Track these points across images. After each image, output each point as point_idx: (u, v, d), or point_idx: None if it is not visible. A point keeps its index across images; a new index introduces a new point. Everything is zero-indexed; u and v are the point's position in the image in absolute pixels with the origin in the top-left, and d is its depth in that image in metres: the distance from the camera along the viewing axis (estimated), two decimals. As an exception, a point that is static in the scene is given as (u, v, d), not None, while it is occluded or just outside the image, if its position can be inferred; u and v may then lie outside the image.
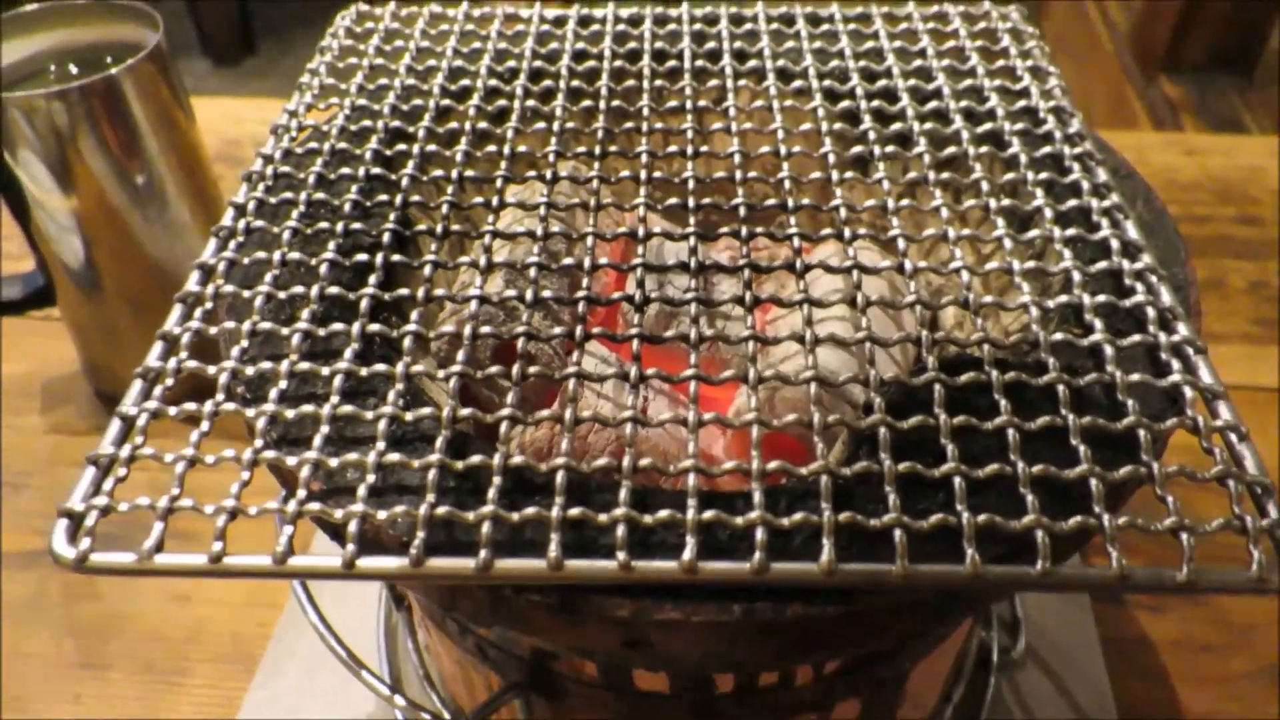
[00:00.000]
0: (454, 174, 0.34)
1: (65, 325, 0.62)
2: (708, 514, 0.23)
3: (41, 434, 0.61)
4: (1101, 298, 0.29)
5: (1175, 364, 0.27)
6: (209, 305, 0.30)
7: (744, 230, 0.32)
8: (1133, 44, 1.40)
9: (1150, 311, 0.29)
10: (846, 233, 0.32)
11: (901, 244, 0.31)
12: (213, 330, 0.29)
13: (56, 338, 0.65)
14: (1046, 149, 0.35)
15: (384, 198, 0.34)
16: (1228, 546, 0.25)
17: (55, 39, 0.56)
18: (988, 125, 0.37)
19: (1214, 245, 0.71)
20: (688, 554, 0.23)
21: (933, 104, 0.38)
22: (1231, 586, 0.23)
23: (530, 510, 0.24)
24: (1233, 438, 0.26)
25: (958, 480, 0.24)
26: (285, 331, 0.29)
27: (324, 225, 0.33)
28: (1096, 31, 1.53)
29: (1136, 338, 0.28)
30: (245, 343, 0.29)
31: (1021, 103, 0.38)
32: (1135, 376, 0.27)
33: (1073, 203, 0.33)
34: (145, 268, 0.58)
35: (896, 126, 0.37)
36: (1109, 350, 0.28)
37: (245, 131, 0.86)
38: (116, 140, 0.53)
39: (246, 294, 0.30)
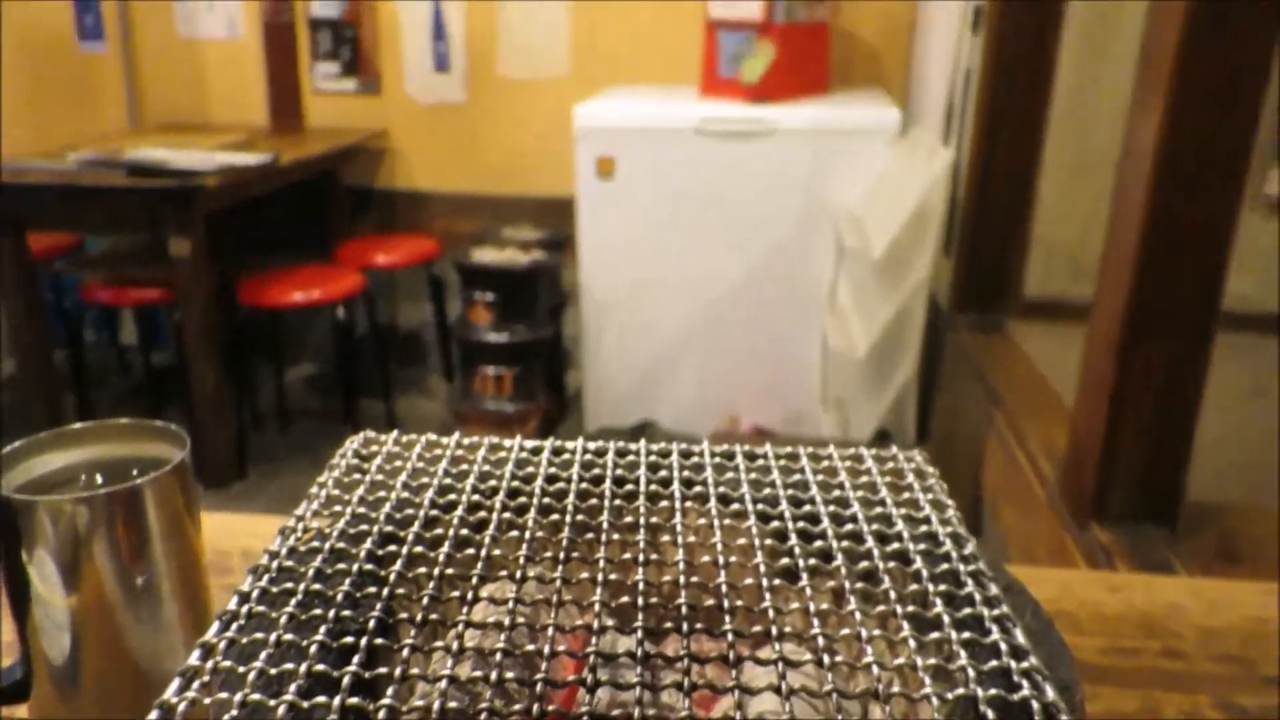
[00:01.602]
0: (435, 572, 0.40)
1: (29, 724, 0.62)
2: None
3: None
4: (994, 691, 0.34)
5: (1058, 749, 0.31)
6: (206, 678, 0.34)
7: (686, 627, 0.37)
8: (1062, 494, 1.53)
9: (1035, 705, 0.33)
10: (774, 630, 0.37)
11: (822, 641, 0.36)
12: (207, 700, 0.33)
13: (15, 738, 0.65)
14: (945, 566, 0.41)
15: (372, 590, 0.39)
16: None
17: (91, 453, 0.63)
18: (895, 545, 0.43)
19: (1145, 677, 0.75)
20: None
21: (849, 526, 0.44)
22: None
23: None
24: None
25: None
26: (273, 703, 0.32)
27: (317, 612, 0.38)
28: (1031, 480, 1.66)
29: (1023, 726, 0.32)
30: (235, 712, 0.32)
31: (924, 528, 0.45)
32: (1022, 758, 0.30)
33: (968, 611, 0.38)
34: (126, 667, 0.60)
35: (819, 544, 0.43)
36: (999, 735, 0.31)
37: (236, 544, 0.91)
38: (128, 544, 0.58)
39: (241, 669, 0.34)
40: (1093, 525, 1.45)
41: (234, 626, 0.36)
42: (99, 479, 0.63)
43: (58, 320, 3.11)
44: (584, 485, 0.48)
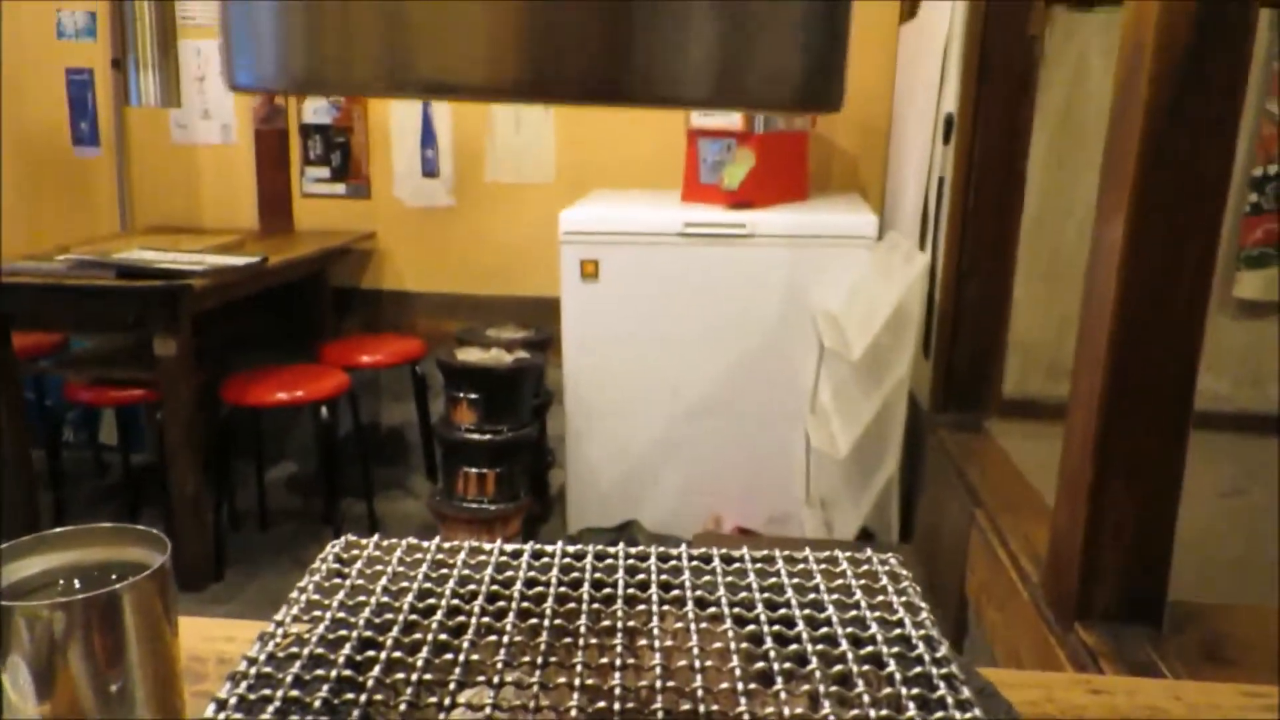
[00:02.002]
0: (414, 677, 0.40)
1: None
2: None
3: None
4: (966, 796, 0.34)
5: None
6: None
7: (661, 732, 0.37)
8: (1045, 595, 1.52)
9: (1007, 808, 0.33)
10: (749, 735, 0.37)
11: (796, 746, 0.37)
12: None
13: None
14: (918, 669, 0.42)
15: (350, 696, 0.39)
16: None
17: (70, 558, 0.63)
18: (869, 649, 0.44)
19: (1131, 781, 0.74)
20: None
21: (824, 630, 0.45)
22: None
23: None
24: None
25: None
26: (247, 812, 0.32)
27: (294, 719, 0.38)
28: (1014, 580, 1.66)
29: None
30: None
31: (897, 631, 0.45)
32: None
33: (940, 715, 0.39)
34: (94, 776, 0.59)
35: (794, 647, 0.44)
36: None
37: (212, 649, 0.90)
38: (105, 650, 0.58)
39: (217, 778, 0.34)
40: (1076, 626, 1.44)
41: (210, 734, 0.37)
42: (77, 584, 0.63)
43: (37, 419, 3.10)
44: (563, 589, 0.49)
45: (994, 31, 2.04)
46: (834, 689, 0.41)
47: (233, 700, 0.38)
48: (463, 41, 0.19)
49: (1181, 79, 1.10)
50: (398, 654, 0.42)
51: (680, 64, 0.20)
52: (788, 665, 0.42)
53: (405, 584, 0.49)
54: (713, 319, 2.56)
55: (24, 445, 2.59)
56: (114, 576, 0.63)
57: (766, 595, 0.48)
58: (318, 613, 0.46)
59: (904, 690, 0.40)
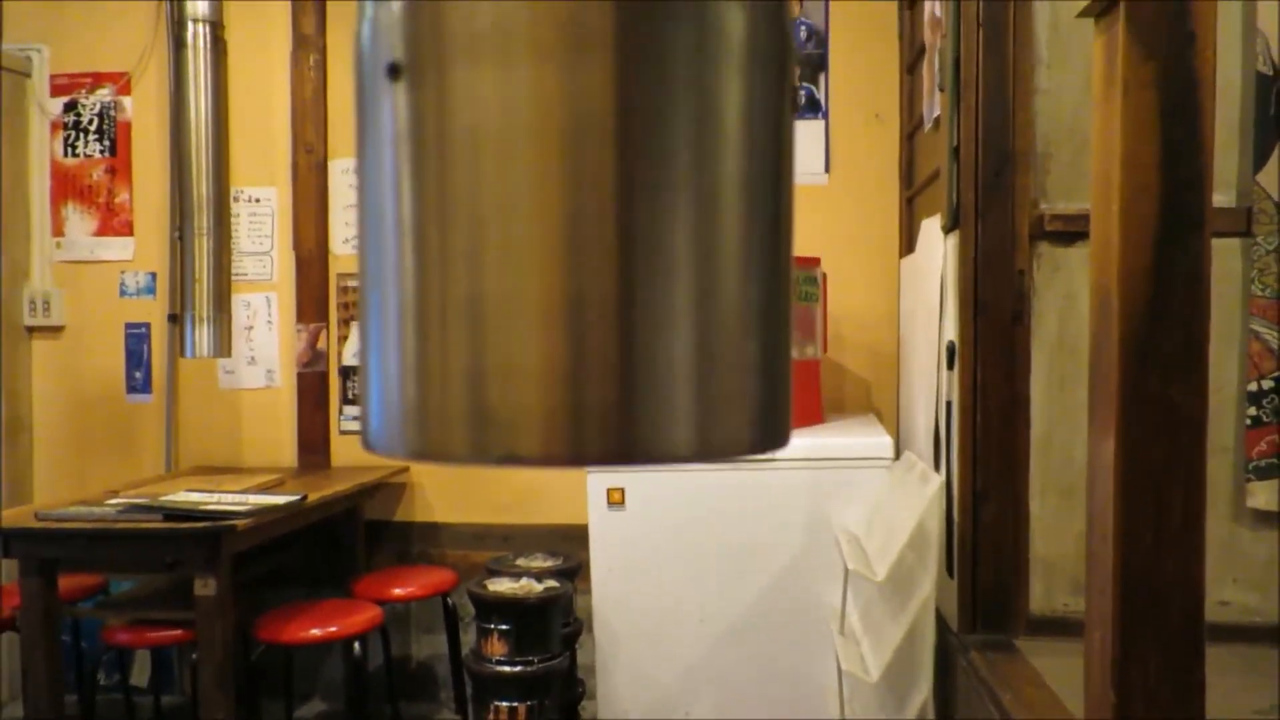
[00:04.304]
0: None
1: None
2: None
3: None
4: None
5: None
6: None
7: None
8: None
9: None
10: None
11: None
12: None
13: None
14: None
15: None
16: None
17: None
18: None
19: None
20: None
21: None
22: None
23: None
24: None
25: None
26: None
27: None
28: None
29: None
30: None
31: None
32: None
33: None
34: None
35: None
36: None
37: None
38: None
39: None
40: None
41: None
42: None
43: (72, 661, 3.12)
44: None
45: (985, 267, 2.21)
46: None
47: None
48: (524, 429, 0.29)
49: (1148, 326, 1.22)
50: None
51: (671, 439, 0.29)
52: None
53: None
54: (737, 542, 2.61)
55: (58, 690, 2.61)
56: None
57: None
58: None
59: None
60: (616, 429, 0.28)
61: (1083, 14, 1.36)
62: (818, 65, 3.30)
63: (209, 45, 2.97)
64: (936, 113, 2.51)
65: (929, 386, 2.54)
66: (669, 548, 2.65)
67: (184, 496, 2.70)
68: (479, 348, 0.28)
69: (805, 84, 3.31)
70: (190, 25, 2.95)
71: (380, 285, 0.30)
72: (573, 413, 0.28)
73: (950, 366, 2.35)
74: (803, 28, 3.30)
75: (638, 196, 0.27)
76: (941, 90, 2.36)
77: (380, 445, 0.31)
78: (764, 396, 0.33)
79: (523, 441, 0.28)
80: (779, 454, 2.70)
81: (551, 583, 2.86)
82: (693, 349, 0.29)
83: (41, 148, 3.55)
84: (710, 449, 0.30)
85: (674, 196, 0.28)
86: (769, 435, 0.33)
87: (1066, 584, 2.22)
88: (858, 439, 2.67)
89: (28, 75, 3.53)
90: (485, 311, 0.28)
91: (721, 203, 0.29)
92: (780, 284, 0.33)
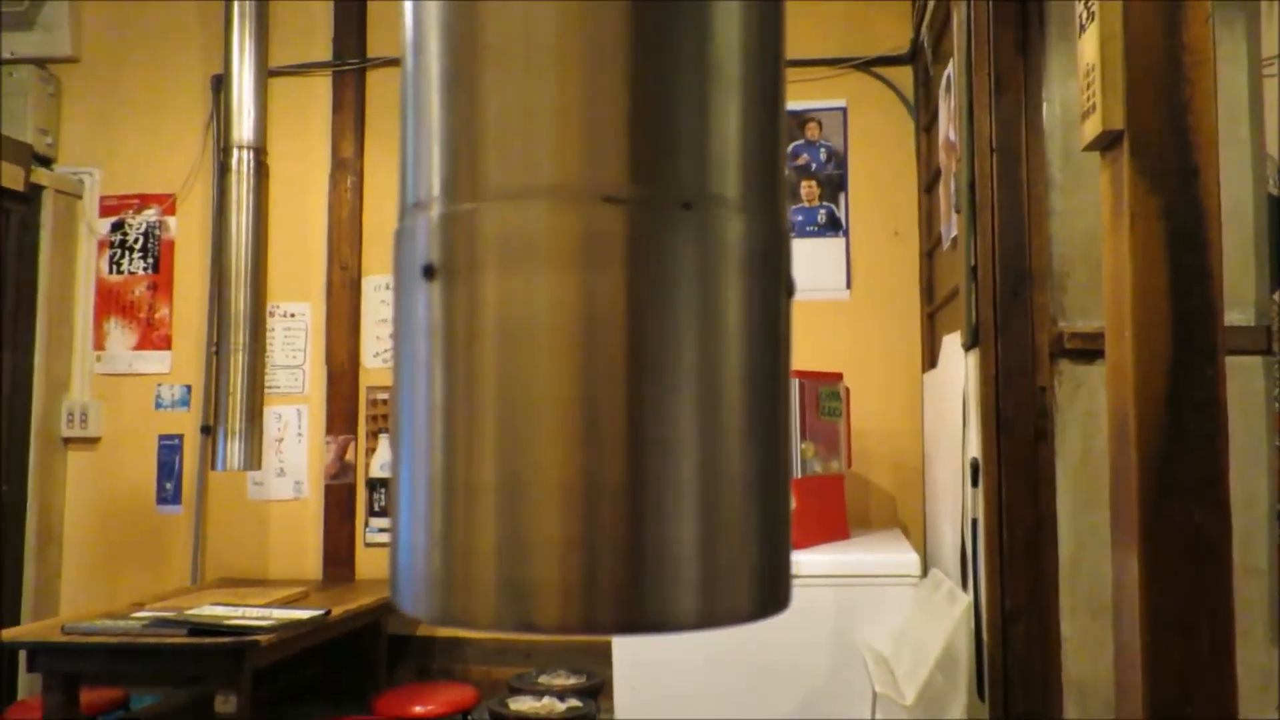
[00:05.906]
0: None
1: None
2: None
3: None
4: None
5: None
6: None
7: None
8: None
9: None
10: None
11: None
12: None
13: None
14: None
15: None
16: None
17: None
18: None
19: None
20: None
21: None
22: None
23: None
24: None
25: None
26: None
27: None
28: None
29: None
30: None
31: None
32: None
33: None
34: None
35: None
36: None
37: None
38: None
39: None
40: None
41: None
42: None
43: (89, 780, 3.07)
44: None
45: (1005, 384, 2.22)
46: None
47: None
48: (541, 601, 0.31)
49: (1166, 450, 1.22)
50: None
51: (677, 611, 0.32)
52: None
53: None
54: (762, 661, 2.57)
55: (75, 810, 2.58)
56: None
57: None
58: None
59: None
60: (626, 602, 0.30)
61: (1088, 148, 1.41)
62: (838, 185, 3.39)
63: (252, 170, 3.10)
64: (954, 233, 2.57)
65: (954, 503, 2.53)
66: (692, 666, 2.61)
67: (209, 610, 2.70)
68: (500, 524, 0.31)
69: (826, 203, 3.39)
70: (235, 151, 3.09)
71: (411, 462, 0.33)
72: (585, 587, 0.30)
73: (975, 484, 2.34)
74: (823, 149, 3.41)
75: (646, 389, 0.30)
76: (958, 212, 2.42)
77: (407, 606, 0.33)
78: (764, 564, 0.35)
79: (540, 612, 0.31)
80: (805, 570, 2.66)
81: (574, 702, 2.81)
82: (697, 524, 0.32)
83: (88, 265, 3.68)
84: (714, 618, 0.32)
85: (679, 387, 0.31)
86: (769, 602, 0.35)
87: (1100, 707, 2.16)
88: (884, 555, 2.64)
89: (79, 197, 3.69)
90: (507, 491, 0.31)
91: (724, 389, 0.32)
92: (779, 455, 0.36)
